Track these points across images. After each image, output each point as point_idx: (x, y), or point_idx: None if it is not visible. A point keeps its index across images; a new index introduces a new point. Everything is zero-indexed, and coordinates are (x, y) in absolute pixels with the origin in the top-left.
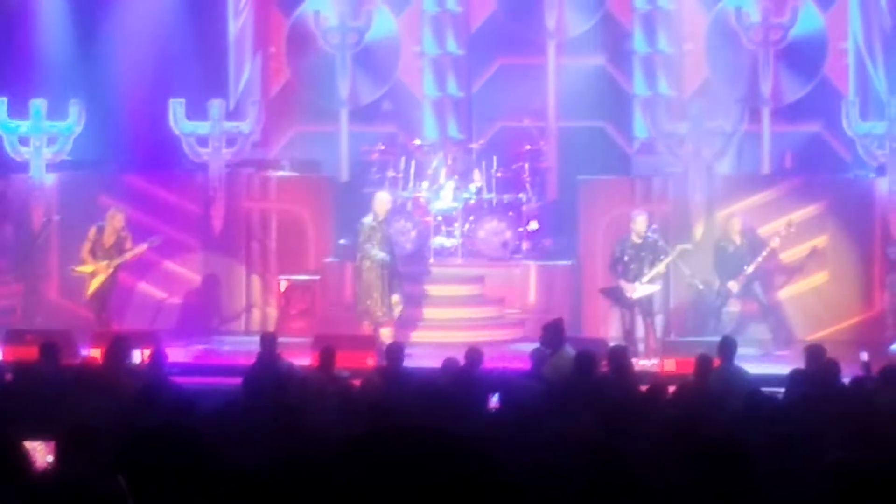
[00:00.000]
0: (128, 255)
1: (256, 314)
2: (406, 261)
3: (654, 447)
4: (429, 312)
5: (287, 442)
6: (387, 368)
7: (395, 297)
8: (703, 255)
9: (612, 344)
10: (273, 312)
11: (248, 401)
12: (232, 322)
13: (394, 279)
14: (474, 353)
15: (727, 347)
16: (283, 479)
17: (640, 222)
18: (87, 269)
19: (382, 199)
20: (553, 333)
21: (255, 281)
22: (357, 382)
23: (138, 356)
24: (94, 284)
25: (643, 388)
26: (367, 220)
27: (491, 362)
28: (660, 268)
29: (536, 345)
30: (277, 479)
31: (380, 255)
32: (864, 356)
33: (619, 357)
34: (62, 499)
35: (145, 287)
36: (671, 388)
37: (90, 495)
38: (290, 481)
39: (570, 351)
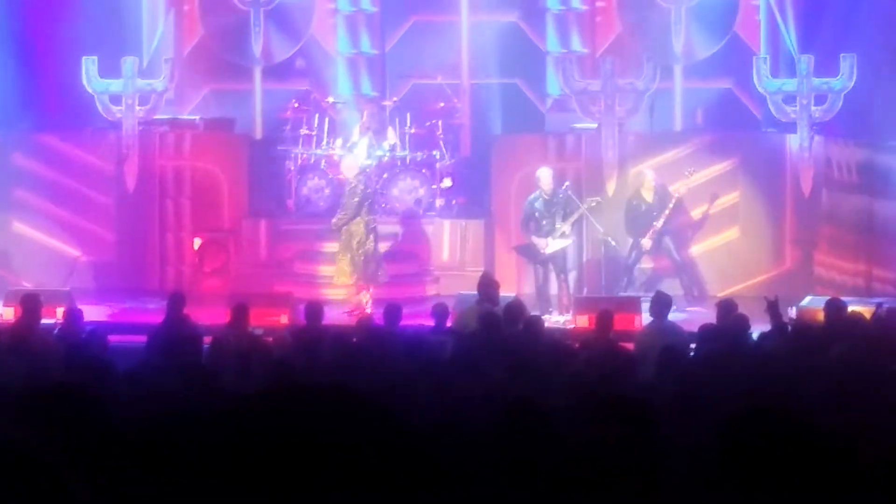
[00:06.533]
0: None
1: (170, 272)
2: (320, 218)
3: (564, 402)
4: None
5: (197, 401)
6: (304, 326)
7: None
8: (615, 212)
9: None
10: (187, 270)
11: (154, 361)
12: (146, 280)
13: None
14: (393, 310)
15: (659, 303)
16: (180, 435)
17: (544, 178)
18: None
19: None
20: (483, 288)
21: (169, 239)
22: (270, 340)
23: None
24: None
25: (553, 343)
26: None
27: (405, 319)
28: (572, 220)
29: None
30: (175, 436)
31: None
32: (792, 311)
33: (530, 318)
34: None
35: (58, 245)
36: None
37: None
38: (188, 437)
39: (476, 308)
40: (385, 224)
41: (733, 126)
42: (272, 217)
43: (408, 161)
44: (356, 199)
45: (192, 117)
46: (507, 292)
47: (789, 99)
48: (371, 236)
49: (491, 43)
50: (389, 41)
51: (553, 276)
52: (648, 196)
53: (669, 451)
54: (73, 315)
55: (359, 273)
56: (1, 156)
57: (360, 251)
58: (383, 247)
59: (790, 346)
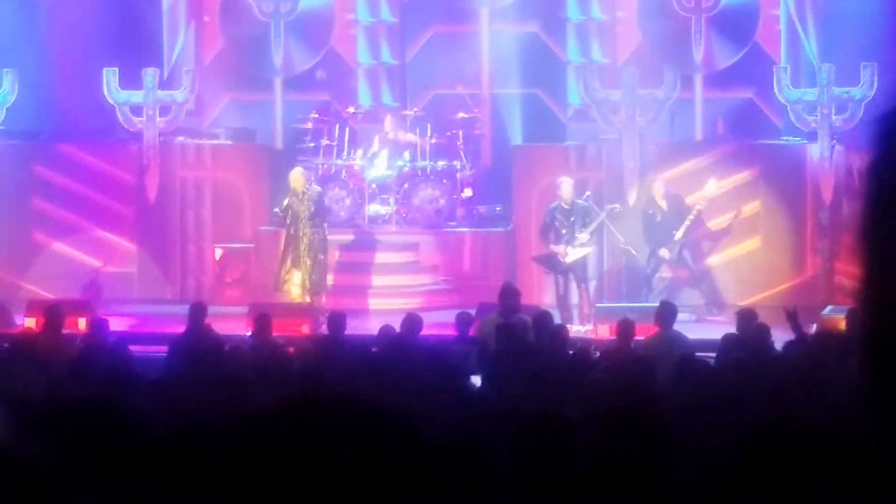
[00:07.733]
0: None
1: (192, 282)
2: (340, 228)
3: (583, 412)
4: (363, 280)
5: (219, 411)
6: (326, 336)
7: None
8: (636, 222)
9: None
10: (208, 281)
11: (176, 371)
12: (167, 291)
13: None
14: (413, 321)
15: (666, 313)
16: (201, 445)
17: (565, 187)
18: None
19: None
20: (505, 298)
21: (191, 249)
22: (291, 350)
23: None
24: None
25: (572, 352)
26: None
27: (426, 329)
28: (591, 228)
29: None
30: (196, 446)
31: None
32: (813, 327)
33: (548, 326)
34: None
35: (80, 256)
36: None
37: (11, 462)
38: (209, 447)
39: (496, 318)
40: (406, 234)
41: (754, 135)
42: None
43: (428, 171)
44: (304, 208)
45: (213, 128)
46: (528, 303)
47: (810, 108)
48: (323, 246)
49: (511, 53)
50: (410, 51)
51: (574, 286)
52: (663, 204)
53: (689, 463)
54: (96, 326)
55: (311, 287)
56: (22, 166)
57: (314, 262)
58: (404, 257)
59: (811, 356)
